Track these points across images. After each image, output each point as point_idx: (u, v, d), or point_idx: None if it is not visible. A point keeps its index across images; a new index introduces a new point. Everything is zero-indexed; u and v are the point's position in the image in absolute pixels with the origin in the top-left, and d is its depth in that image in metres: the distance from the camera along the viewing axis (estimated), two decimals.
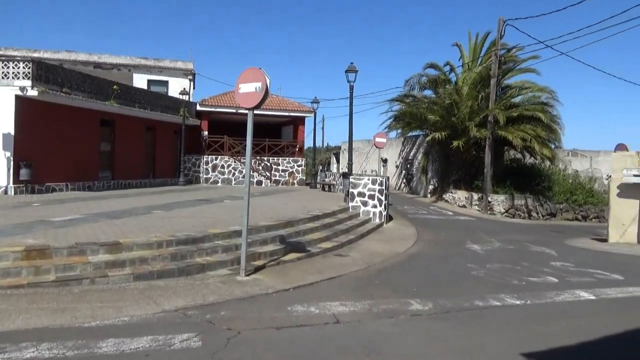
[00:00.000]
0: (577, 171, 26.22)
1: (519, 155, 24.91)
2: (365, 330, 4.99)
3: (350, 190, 14.49)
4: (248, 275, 7.17)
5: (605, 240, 13.76)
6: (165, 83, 25.94)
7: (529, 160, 24.80)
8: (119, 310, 5.24)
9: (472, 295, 6.38)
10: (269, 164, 24.76)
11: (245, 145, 7.77)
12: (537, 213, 21.50)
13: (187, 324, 4.97)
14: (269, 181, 24.73)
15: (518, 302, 6.08)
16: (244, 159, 21.39)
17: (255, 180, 24.20)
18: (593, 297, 6.30)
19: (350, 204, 14.40)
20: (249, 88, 7.45)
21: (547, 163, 23.05)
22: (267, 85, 7.38)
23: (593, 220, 22.94)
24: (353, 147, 19.80)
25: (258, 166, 24.57)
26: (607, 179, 23.75)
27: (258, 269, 7.57)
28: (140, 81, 24.96)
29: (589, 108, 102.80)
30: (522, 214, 21.03)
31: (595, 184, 25.70)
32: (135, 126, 20.00)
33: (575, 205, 22.78)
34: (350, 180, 14.61)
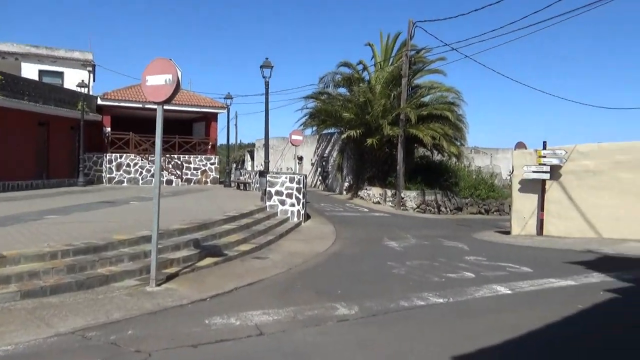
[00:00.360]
0: (479, 167, 27.95)
1: (427, 153, 25.97)
2: (291, 341, 4.65)
3: (268, 188, 14.07)
4: (159, 285, 6.52)
5: (509, 233, 14.63)
6: (60, 74, 23.69)
7: (436, 157, 25.96)
8: (0, 336, 4.42)
9: (396, 296, 6.28)
10: (179, 162, 23.54)
11: (153, 142, 7.10)
12: (446, 208, 22.52)
13: (87, 348, 4.30)
14: (180, 180, 23.51)
15: (441, 301, 6.08)
16: (153, 157, 20.12)
17: (165, 179, 22.88)
18: (509, 292, 6.49)
19: (268, 203, 13.99)
20: (158, 80, 6.79)
21: (454, 160, 24.25)
22: (178, 78, 6.78)
23: (494, 213, 24.51)
24: (269, 144, 19.36)
25: (168, 164, 23.26)
26: (509, 175, 25.56)
27: (171, 278, 6.93)
28: (30, 71, 22.52)
29: (490, 108, 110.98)
30: (432, 209, 21.91)
31: (496, 179, 27.54)
32: (24, 121, 17.95)
33: (479, 200, 24.18)
34: (268, 178, 14.19)
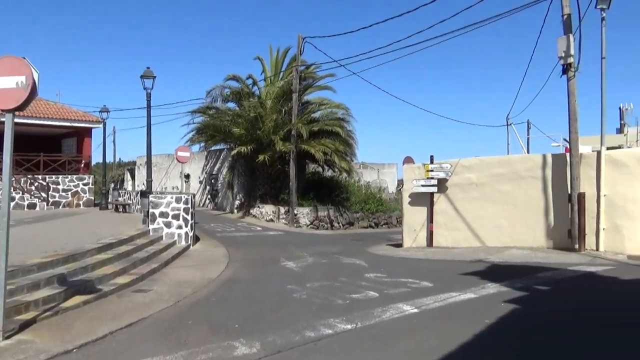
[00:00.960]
0: (368, 182, 28.74)
1: (318, 169, 26.05)
2: None
3: (151, 210, 12.72)
4: (9, 337, 5.21)
5: (401, 245, 14.89)
6: None
7: (328, 173, 26.14)
8: None
9: (301, 325, 5.68)
10: (45, 184, 20.73)
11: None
12: (338, 223, 22.60)
13: None
14: (45, 204, 20.69)
15: (349, 327, 5.60)
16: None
17: (26, 203, 19.95)
18: (416, 310, 6.23)
19: (151, 227, 12.63)
20: (8, 83, 5.56)
21: (345, 175, 24.56)
22: (34, 80, 5.60)
23: (383, 226, 25.24)
24: (152, 162, 17.78)
25: (30, 186, 20.35)
26: (399, 189, 26.53)
27: (26, 326, 5.61)
28: None
29: (375, 123, 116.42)
30: (326, 225, 21.84)
31: (383, 193, 28.51)
32: None
33: (369, 214, 24.72)
34: (151, 199, 12.84)
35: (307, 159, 23.81)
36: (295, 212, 20.99)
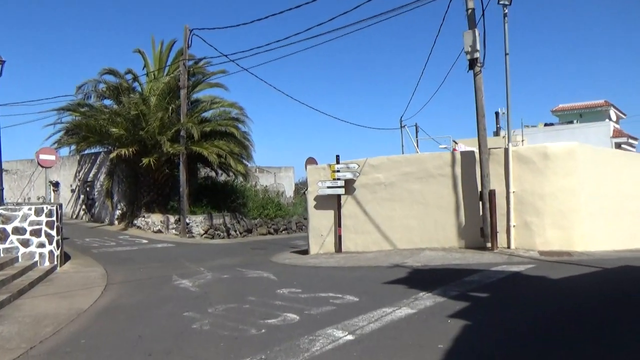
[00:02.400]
0: (265, 186, 27.37)
1: (212, 173, 24.14)
2: None
3: (2, 226, 10.12)
4: None
5: (307, 253, 13.80)
6: None
7: (222, 177, 24.33)
8: None
9: None
10: None
11: None
12: (236, 231, 20.96)
13: None
14: None
15: None
16: None
17: None
18: (352, 337, 5.06)
19: (1, 246, 10.04)
20: None
21: (241, 179, 22.97)
22: None
23: (283, 232, 24.10)
24: (6, 169, 14.66)
25: None
26: (303, 192, 25.45)
27: None
28: None
29: (272, 126, 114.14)
30: (222, 234, 20.10)
31: (281, 197, 27.36)
32: None
33: (267, 220, 23.41)
34: (1, 212, 10.23)
35: (200, 162, 21.83)
36: (187, 220, 18.94)
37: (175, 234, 19.06)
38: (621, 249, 11.30)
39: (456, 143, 25.83)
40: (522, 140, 25.77)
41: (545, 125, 38.32)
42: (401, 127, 28.83)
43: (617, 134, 32.82)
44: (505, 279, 7.59)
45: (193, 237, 18.93)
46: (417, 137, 36.44)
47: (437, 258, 10.19)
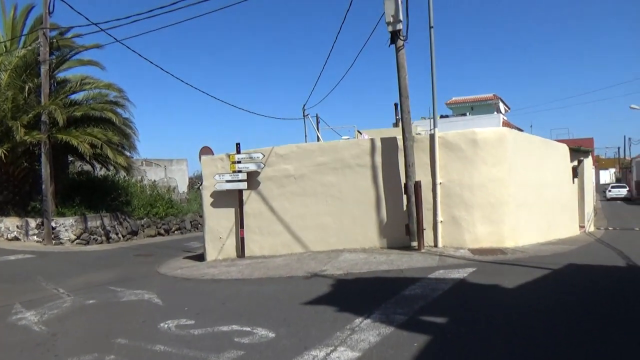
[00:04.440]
0: (154, 181, 24.24)
1: (88, 167, 20.61)
2: None
3: None
4: None
5: (203, 258, 11.63)
6: None
7: (100, 172, 20.90)
8: None
9: None
10: None
11: None
12: (117, 234, 17.91)
13: None
14: None
15: None
16: None
17: None
18: None
19: None
20: None
21: (123, 174, 19.82)
22: None
23: (176, 232, 21.39)
24: None
25: None
26: (197, 187, 22.74)
27: None
28: None
29: (163, 114, 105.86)
30: (100, 238, 16.97)
31: (173, 193, 24.48)
32: None
33: (156, 219, 20.57)
34: None
35: (71, 153, 18.31)
36: (53, 224, 15.59)
37: (38, 241, 15.60)
38: (544, 240, 10.74)
39: (360, 133, 24.82)
40: (424, 131, 25.66)
41: (441, 117, 39.41)
42: (304, 116, 27.37)
43: (506, 125, 34.49)
44: (452, 290, 6.19)
45: (61, 243, 15.64)
46: (317, 128, 35.31)
47: (359, 262, 8.65)
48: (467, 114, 38.42)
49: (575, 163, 13.89)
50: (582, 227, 14.21)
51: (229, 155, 11.28)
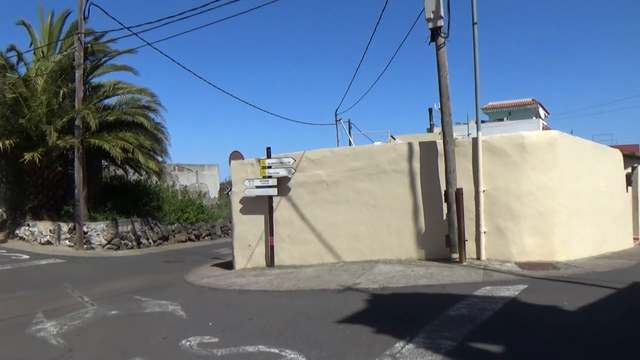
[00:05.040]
0: (185, 187, 24.21)
1: (121, 172, 20.72)
2: None
3: None
4: None
5: (232, 266, 11.25)
6: None
7: (133, 177, 20.96)
8: None
9: None
10: None
11: None
12: (148, 239, 17.82)
13: None
14: None
15: None
16: None
17: None
18: None
19: None
20: None
21: (155, 179, 19.79)
22: None
23: (206, 238, 21.20)
24: None
25: None
26: (227, 192, 22.56)
27: None
28: None
29: (195, 119, 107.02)
30: (130, 243, 16.89)
31: (204, 199, 24.39)
32: None
33: (187, 224, 20.42)
34: None
35: (104, 158, 18.43)
36: (85, 229, 15.58)
37: (70, 246, 15.63)
38: (597, 254, 9.87)
39: (394, 138, 24.15)
40: (461, 137, 24.76)
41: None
42: (336, 121, 26.89)
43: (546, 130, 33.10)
44: (503, 312, 5.52)
45: (92, 248, 15.60)
46: (349, 133, 34.76)
47: (396, 276, 8.05)
48: (505, 119, 37.11)
49: (629, 170, 12.87)
50: (636, 239, 13.15)
51: (259, 160, 10.89)
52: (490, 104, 39.86)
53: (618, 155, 11.90)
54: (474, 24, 8.97)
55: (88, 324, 6.34)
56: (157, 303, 7.42)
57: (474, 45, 8.97)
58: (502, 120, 36.79)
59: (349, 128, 33.69)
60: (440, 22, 8.81)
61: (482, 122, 37.86)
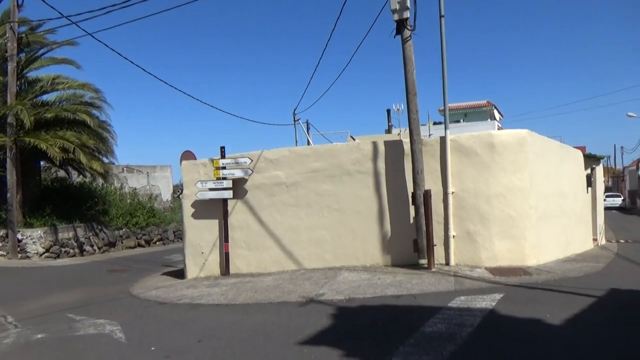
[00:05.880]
0: (135, 189, 22.83)
1: (63, 174, 19.22)
2: None
3: None
4: None
5: (183, 275, 10.36)
6: None
7: (77, 179, 19.51)
8: None
9: None
10: None
11: None
12: (92, 245, 16.53)
13: None
14: None
15: None
16: None
17: None
18: None
19: None
20: None
21: (100, 181, 18.44)
22: None
23: (157, 243, 20.02)
24: None
25: None
26: (177, 195, 21.43)
27: None
28: None
29: (145, 118, 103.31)
30: (72, 250, 15.59)
31: (155, 202, 23.10)
32: None
33: (137, 229, 19.20)
34: None
35: (43, 159, 16.94)
36: (20, 236, 14.18)
37: (2, 255, 14.17)
38: (563, 257, 9.67)
39: (354, 139, 23.69)
40: (423, 137, 24.58)
41: (434, 123, 38.54)
42: (294, 121, 26.20)
43: None
44: (484, 327, 4.99)
45: (28, 257, 14.22)
46: (308, 133, 34.09)
47: (362, 285, 7.45)
48: (461, 120, 37.54)
49: (589, 171, 12.88)
50: (594, 239, 13.18)
51: (212, 160, 10.05)
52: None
53: (580, 156, 11.84)
54: (441, 16, 8.52)
55: (4, 353, 5.36)
56: (92, 323, 6.49)
57: (441, 39, 8.52)
58: (458, 121, 37.12)
59: (307, 128, 33.06)
60: (407, 14, 8.30)
61: (439, 123, 38.10)
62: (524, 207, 8.24)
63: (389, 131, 31.66)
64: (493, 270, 7.78)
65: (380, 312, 5.91)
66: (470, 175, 8.32)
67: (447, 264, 8.32)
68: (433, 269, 8.03)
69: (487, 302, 5.87)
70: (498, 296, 6.09)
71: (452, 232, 8.33)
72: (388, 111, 33.59)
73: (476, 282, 7.06)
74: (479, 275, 7.50)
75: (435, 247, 8.21)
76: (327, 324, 5.56)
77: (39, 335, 6.00)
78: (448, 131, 8.57)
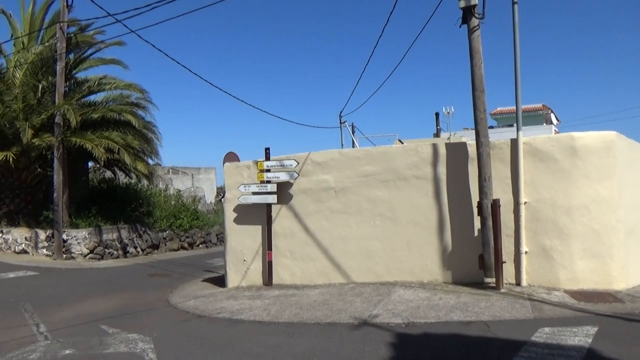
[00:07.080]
0: (179, 191, 22.75)
1: (110, 174, 19.30)
2: None
3: None
4: None
5: (223, 283, 9.80)
6: None
7: (123, 180, 19.54)
8: None
9: None
10: None
11: None
12: (136, 247, 16.36)
13: None
14: None
15: None
16: None
17: None
18: None
19: None
20: None
21: (145, 182, 18.34)
22: None
23: (200, 246, 19.74)
24: None
25: None
26: (220, 199, 21.16)
27: None
28: None
29: (191, 119, 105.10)
30: (116, 252, 15.45)
31: (199, 204, 22.92)
32: None
33: (180, 232, 18.97)
34: None
35: (89, 159, 16.99)
36: (65, 236, 14.13)
37: (47, 255, 14.16)
38: None
39: (402, 143, 22.65)
40: (473, 142, 23.29)
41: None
42: (340, 123, 25.46)
43: None
44: None
45: (73, 258, 14.14)
46: (353, 136, 33.25)
47: (422, 306, 6.56)
48: (514, 124, 35.73)
49: None
50: None
51: (256, 163, 9.43)
52: (499, 109, 38.46)
53: None
54: (514, 3, 7.53)
55: None
56: (125, 338, 5.95)
57: (513, 29, 7.52)
58: (511, 125, 35.37)
59: (352, 131, 32.22)
60: (474, 1, 7.37)
61: (491, 127, 36.45)
62: (610, 221, 7.10)
63: (437, 135, 30.37)
64: (575, 294, 6.70)
65: (447, 344, 5.02)
66: (546, 183, 7.27)
67: (518, 284, 7.29)
68: (502, 290, 7.04)
69: (579, 337, 4.86)
70: (592, 330, 5.07)
71: (524, 248, 7.30)
72: (437, 114, 32.22)
73: (558, 309, 6.04)
74: (559, 300, 6.45)
75: (504, 265, 7.21)
76: (386, 355, 4.74)
77: (67, 351, 5.50)
78: (521, 132, 7.55)
